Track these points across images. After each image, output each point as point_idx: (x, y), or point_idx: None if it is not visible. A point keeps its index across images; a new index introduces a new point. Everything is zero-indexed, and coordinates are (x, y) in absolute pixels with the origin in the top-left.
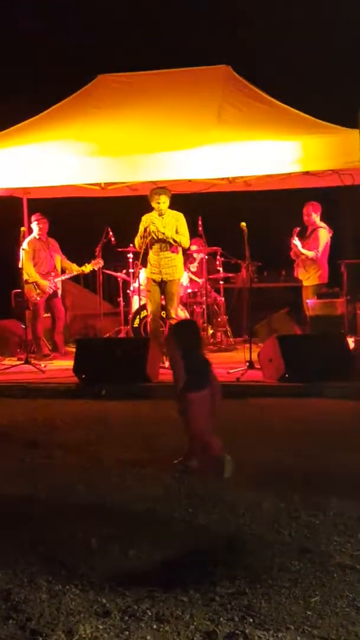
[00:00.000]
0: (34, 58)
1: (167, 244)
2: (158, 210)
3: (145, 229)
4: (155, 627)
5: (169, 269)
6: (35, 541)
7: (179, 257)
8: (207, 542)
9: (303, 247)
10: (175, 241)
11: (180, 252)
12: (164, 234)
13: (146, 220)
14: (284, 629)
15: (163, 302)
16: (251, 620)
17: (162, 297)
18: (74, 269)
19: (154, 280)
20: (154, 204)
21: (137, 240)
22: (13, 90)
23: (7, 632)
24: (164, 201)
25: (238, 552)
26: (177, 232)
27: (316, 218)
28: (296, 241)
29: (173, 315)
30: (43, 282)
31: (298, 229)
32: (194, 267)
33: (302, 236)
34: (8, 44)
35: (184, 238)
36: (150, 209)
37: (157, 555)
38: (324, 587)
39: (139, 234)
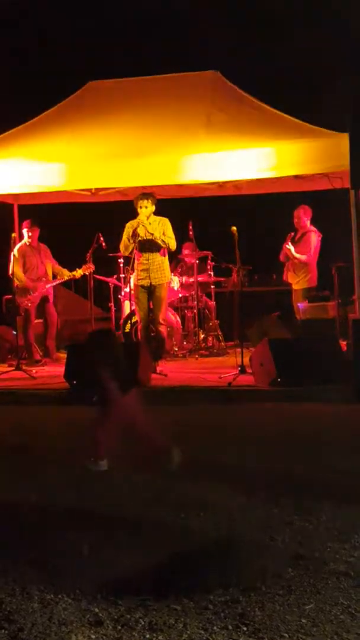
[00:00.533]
0: (24, 64)
1: (156, 247)
2: (143, 215)
3: (133, 231)
4: (148, 636)
5: (158, 273)
6: (26, 549)
7: (166, 261)
8: (200, 549)
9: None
10: (163, 242)
11: (167, 257)
12: (152, 234)
13: (131, 225)
14: (278, 637)
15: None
16: (245, 628)
17: (150, 302)
18: (65, 274)
19: (143, 287)
20: (138, 209)
21: (122, 246)
22: (2, 97)
23: None
24: (146, 205)
25: (231, 559)
26: (164, 235)
27: (307, 222)
28: (290, 246)
29: (161, 321)
30: (33, 286)
31: (292, 234)
32: (188, 279)
33: (292, 240)
34: None
35: (172, 240)
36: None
37: (149, 563)
38: (318, 594)
39: (123, 240)
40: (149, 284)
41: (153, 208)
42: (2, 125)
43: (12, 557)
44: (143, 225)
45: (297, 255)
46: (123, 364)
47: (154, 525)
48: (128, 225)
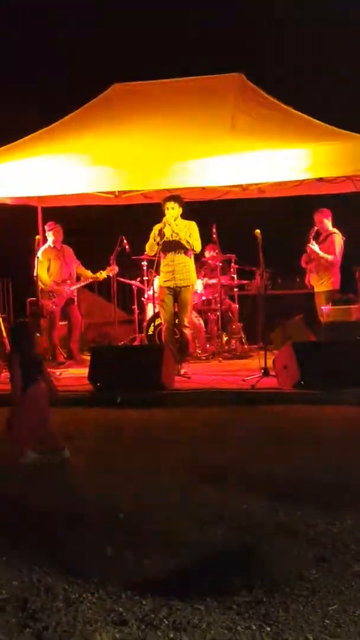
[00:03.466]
0: (48, 66)
1: (182, 249)
2: (169, 217)
3: (160, 231)
4: (172, 635)
5: (183, 275)
6: (51, 550)
7: (192, 263)
8: (223, 550)
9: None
10: (188, 243)
11: (192, 258)
12: (178, 234)
13: (158, 226)
14: (302, 638)
15: (176, 310)
16: (269, 629)
17: (176, 304)
18: (89, 275)
19: (168, 288)
20: (165, 211)
21: (148, 246)
22: (27, 99)
23: None
24: (172, 207)
25: (255, 560)
26: (189, 237)
27: (328, 224)
28: (313, 245)
29: (186, 323)
30: (58, 289)
31: (315, 228)
32: (211, 281)
33: (316, 241)
34: (21, 52)
35: (197, 242)
36: (162, 218)
37: (173, 564)
38: (342, 596)
39: (150, 240)
40: (174, 286)
41: (180, 210)
42: (26, 127)
43: (36, 558)
44: (169, 225)
45: (323, 254)
46: (32, 354)
47: (177, 528)
48: (155, 227)
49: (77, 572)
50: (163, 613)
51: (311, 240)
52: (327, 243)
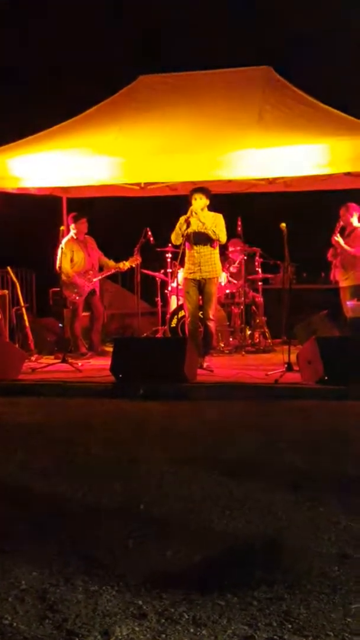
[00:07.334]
0: (75, 58)
1: (208, 240)
2: (196, 206)
3: (186, 220)
4: (192, 630)
5: (209, 267)
6: (72, 541)
7: (217, 255)
8: (245, 545)
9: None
10: (214, 233)
11: (217, 250)
12: (204, 224)
13: (185, 217)
14: (323, 635)
15: (200, 303)
16: (290, 625)
17: (200, 297)
18: (112, 265)
19: (193, 280)
20: (192, 201)
21: (173, 235)
22: (54, 91)
23: (43, 632)
24: (200, 197)
25: (276, 556)
26: (215, 227)
27: (354, 219)
28: (338, 238)
29: (210, 316)
30: (79, 281)
31: (342, 223)
32: (233, 267)
33: (342, 236)
34: (49, 44)
35: (222, 233)
36: (188, 209)
37: (194, 558)
38: None
39: (176, 229)
40: (199, 278)
41: (207, 202)
42: (54, 118)
43: (57, 548)
44: (195, 214)
45: (347, 247)
46: None
47: (199, 522)
48: (182, 217)
49: (98, 564)
50: (183, 607)
51: (337, 233)
52: (352, 238)
